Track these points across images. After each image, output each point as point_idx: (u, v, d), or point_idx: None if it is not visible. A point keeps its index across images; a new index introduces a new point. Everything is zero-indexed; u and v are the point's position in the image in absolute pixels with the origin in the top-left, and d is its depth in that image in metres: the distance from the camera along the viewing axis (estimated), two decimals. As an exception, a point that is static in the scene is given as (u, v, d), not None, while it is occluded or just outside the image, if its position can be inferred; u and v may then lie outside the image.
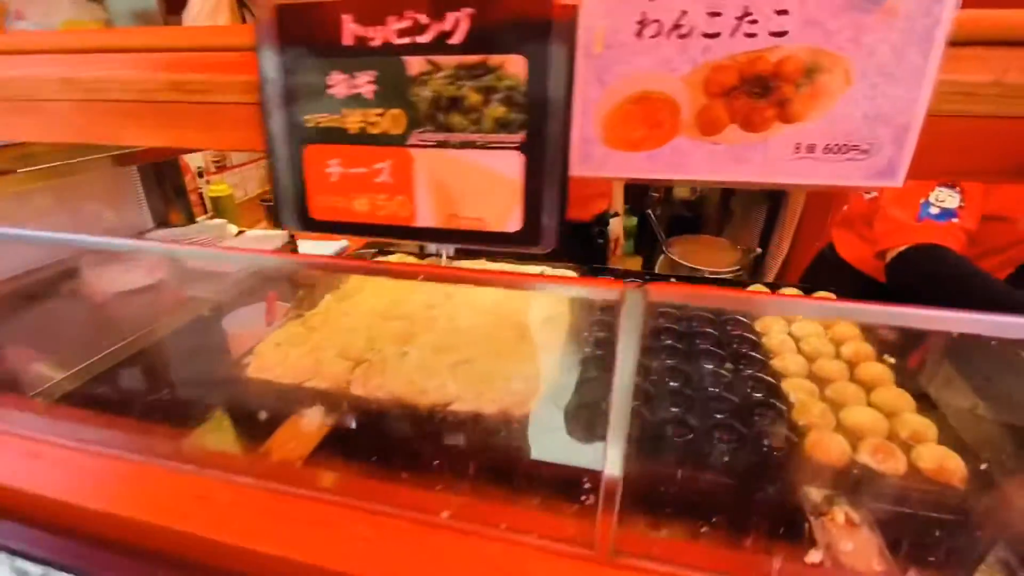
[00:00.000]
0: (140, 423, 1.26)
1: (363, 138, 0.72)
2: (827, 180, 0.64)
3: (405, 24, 0.66)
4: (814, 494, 1.04)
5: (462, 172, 0.74)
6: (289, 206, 0.75)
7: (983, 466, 0.91)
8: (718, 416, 1.01)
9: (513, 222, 0.74)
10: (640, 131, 0.68)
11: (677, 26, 0.62)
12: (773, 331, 1.31)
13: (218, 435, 1.28)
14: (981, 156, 0.61)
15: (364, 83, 0.69)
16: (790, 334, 1.31)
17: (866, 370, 1.22)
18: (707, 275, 2.85)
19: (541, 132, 0.69)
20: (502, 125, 0.70)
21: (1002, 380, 1.10)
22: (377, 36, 0.67)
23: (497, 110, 0.70)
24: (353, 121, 0.71)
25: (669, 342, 1.27)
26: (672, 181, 0.68)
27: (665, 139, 0.67)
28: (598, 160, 0.70)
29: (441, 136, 0.72)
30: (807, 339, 1.31)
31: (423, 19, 0.66)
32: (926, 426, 1.03)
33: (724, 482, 0.90)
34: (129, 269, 1.91)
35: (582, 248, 2.26)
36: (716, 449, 0.97)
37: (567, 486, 0.88)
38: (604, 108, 0.68)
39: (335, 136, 0.72)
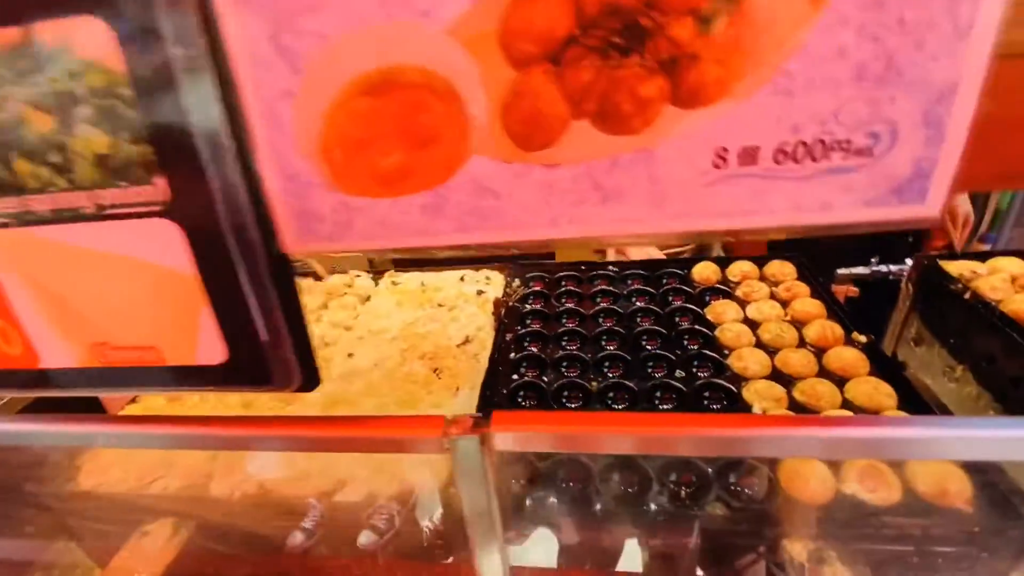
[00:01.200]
0: None
1: None
2: (787, 218, 0.30)
3: None
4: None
5: (83, 267, 0.37)
6: None
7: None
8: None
9: (207, 349, 0.38)
10: (397, 152, 0.32)
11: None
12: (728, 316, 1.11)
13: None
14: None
15: None
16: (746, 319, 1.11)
17: (837, 358, 1.00)
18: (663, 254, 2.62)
19: (195, 175, 0.32)
20: (115, 170, 0.33)
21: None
22: None
23: (94, 140, 0.32)
24: None
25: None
26: (476, 246, 0.33)
27: (449, 165, 0.32)
28: (331, 221, 0.34)
29: (13, 204, 0.35)
30: (766, 325, 1.10)
31: None
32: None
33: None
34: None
35: None
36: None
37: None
38: (312, 111, 0.31)
39: None
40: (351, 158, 0.33)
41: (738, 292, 1.15)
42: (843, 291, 1.32)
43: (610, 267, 1.28)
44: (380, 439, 0.40)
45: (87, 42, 0.31)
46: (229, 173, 0.33)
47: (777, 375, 0.92)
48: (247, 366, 0.39)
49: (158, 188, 0.34)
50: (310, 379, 0.40)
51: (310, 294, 1.46)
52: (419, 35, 0.29)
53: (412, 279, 1.53)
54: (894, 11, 0.26)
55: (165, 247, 0.36)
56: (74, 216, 0.36)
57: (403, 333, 1.26)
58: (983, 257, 1.10)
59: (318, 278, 1.54)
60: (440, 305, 1.36)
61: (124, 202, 0.35)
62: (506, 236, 0.33)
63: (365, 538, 0.85)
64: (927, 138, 0.28)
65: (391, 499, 0.86)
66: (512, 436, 0.40)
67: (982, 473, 0.79)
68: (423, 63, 0.30)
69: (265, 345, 0.38)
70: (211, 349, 0.39)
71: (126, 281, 0.37)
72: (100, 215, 0.35)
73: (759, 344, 1.00)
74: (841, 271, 1.35)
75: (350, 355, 1.17)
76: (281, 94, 0.31)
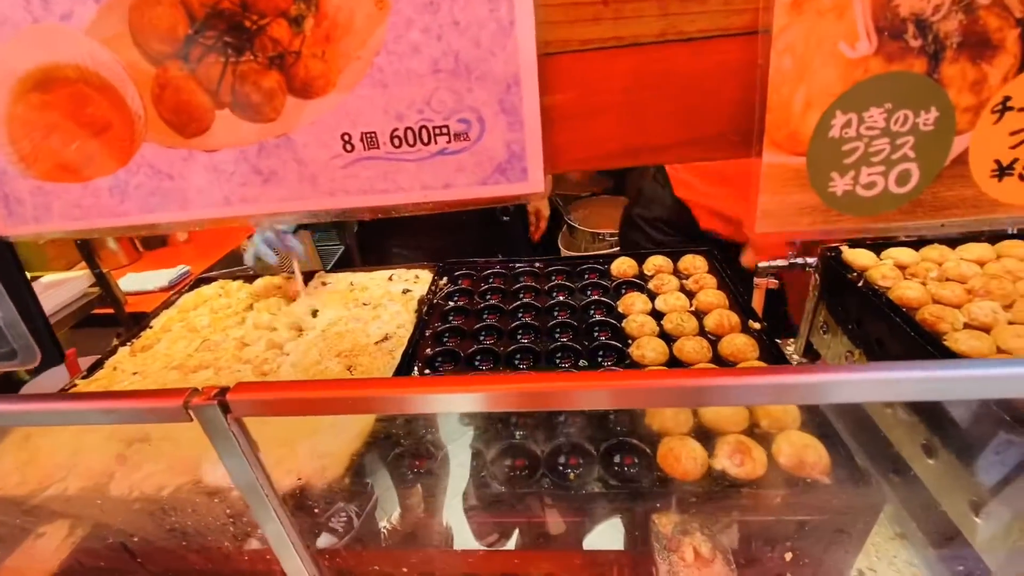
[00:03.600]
0: None
1: None
2: (419, 195, 0.35)
3: None
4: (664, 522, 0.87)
5: None
6: None
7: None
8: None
9: (-53, 327, 0.42)
10: (75, 140, 0.36)
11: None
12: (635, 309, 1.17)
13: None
14: (657, 115, 0.33)
15: None
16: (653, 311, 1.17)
17: (729, 344, 1.06)
18: (607, 236, 2.68)
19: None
20: None
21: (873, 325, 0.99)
22: None
23: None
24: None
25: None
26: (167, 226, 0.38)
27: (123, 151, 0.36)
28: (31, 205, 0.38)
29: None
30: (669, 315, 1.16)
31: None
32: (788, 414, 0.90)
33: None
34: None
35: (490, 232, 1.94)
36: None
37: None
38: (-9, 105, 0.35)
39: None
40: (37, 147, 0.37)
41: (650, 285, 1.19)
42: (764, 283, 1.39)
43: (536, 263, 1.32)
44: (129, 409, 0.44)
45: None
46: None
47: (673, 362, 0.97)
48: (-11, 342, 0.43)
49: None
50: (51, 356, 0.44)
51: (234, 295, 1.48)
52: (64, 36, 0.33)
53: (341, 279, 1.55)
54: (447, 14, 0.31)
55: None
56: None
57: (324, 332, 1.30)
58: (879, 249, 1.17)
59: (249, 280, 1.57)
60: (365, 304, 1.39)
61: None
62: (188, 215, 0.38)
63: (324, 540, 0.88)
64: (508, 124, 0.33)
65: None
66: (250, 402, 0.45)
67: (838, 446, 0.86)
68: (76, 61, 0.34)
69: (2, 328, 0.42)
70: (-49, 328, 0.43)
71: None
72: None
73: (662, 334, 1.04)
74: (762, 264, 1.43)
75: (266, 358, 1.20)
76: (-41, 89, 0.35)
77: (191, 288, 1.57)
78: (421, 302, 1.29)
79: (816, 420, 0.87)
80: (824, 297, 1.18)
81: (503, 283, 1.25)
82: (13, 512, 1.05)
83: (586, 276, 1.25)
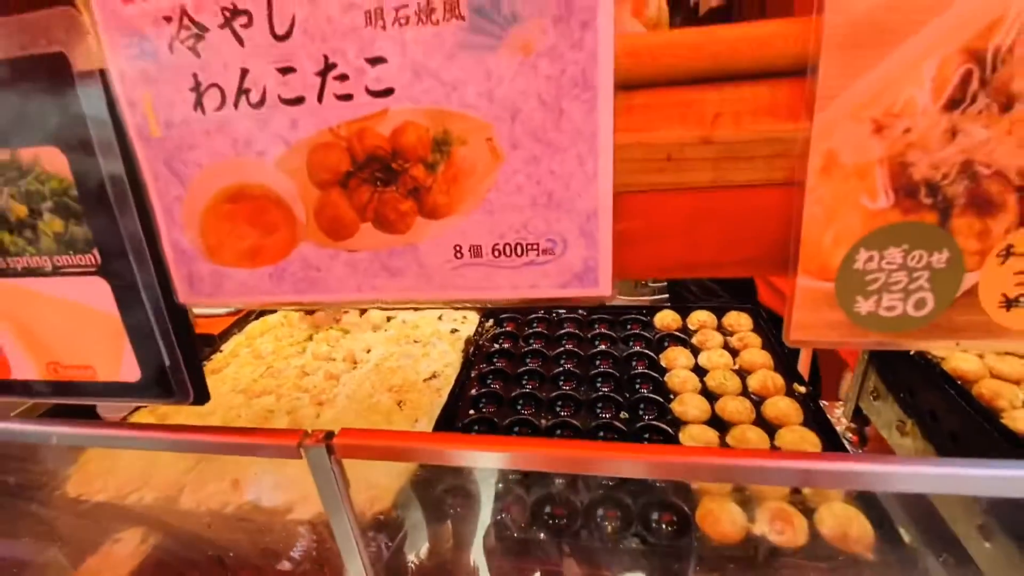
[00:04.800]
0: None
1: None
2: (510, 293, 0.45)
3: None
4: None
5: (43, 308, 0.53)
6: None
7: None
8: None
9: (128, 370, 0.54)
10: (250, 238, 0.47)
11: (244, 90, 0.42)
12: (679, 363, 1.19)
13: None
14: (710, 242, 0.42)
15: None
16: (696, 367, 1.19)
17: (773, 407, 1.08)
18: (649, 283, 2.67)
19: (118, 248, 0.48)
20: (66, 243, 0.49)
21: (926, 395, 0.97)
22: None
23: (54, 223, 0.49)
24: None
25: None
26: (311, 305, 0.48)
27: (285, 248, 0.47)
28: (209, 283, 0.50)
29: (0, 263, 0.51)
30: (713, 373, 1.18)
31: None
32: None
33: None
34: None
35: None
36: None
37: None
38: (194, 210, 0.47)
39: None
40: (221, 241, 0.48)
41: (694, 340, 1.23)
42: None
43: (579, 311, 1.37)
44: (249, 444, 0.55)
45: (48, 161, 0.47)
46: (138, 247, 0.49)
47: (715, 421, 0.99)
48: (155, 384, 0.54)
49: (94, 256, 0.50)
50: (201, 396, 0.55)
51: (297, 327, 1.61)
52: (257, 167, 0.45)
53: (395, 315, 1.67)
54: (547, 166, 0.41)
55: (96, 295, 0.51)
56: (38, 272, 0.52)
57: (377, 367, 1.40)
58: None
59: (309, 311, 1.70)
60: (416, 341, 1.47)
61: (71, 266, 0.51)
62: (328, 298, 0.48)
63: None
64: (586, 244, 0.42)
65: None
66: (353, 447, 0.54)
67: (883, 521, 0.86)
68: (262, 182, 0.45)
69: (167, 369, 0.54)
70: (130, 370, 0.54)
71: (71, 318, 0.53)
72: (55, 272, 0.51)
73: (704, 391, 1.07)
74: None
75: (323, 388, 1.30)
76: (174, 199, 0.47)
77: (257, 316, 1.71)
78: (468, 343, 1.37)
79: (861, 491, 0.87)
80: (875, 362, 1.18)
81: (547, 328, 1.33)
82: (93, 516, 1.16)
83: (629, 327, 1.31)
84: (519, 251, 0.43)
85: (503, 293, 0.44)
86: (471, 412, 1.07)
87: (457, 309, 1.61)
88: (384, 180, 0.43)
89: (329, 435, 0.55)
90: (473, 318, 1.59)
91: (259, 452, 0.55)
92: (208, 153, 0.45)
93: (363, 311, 1.64)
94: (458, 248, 0.44)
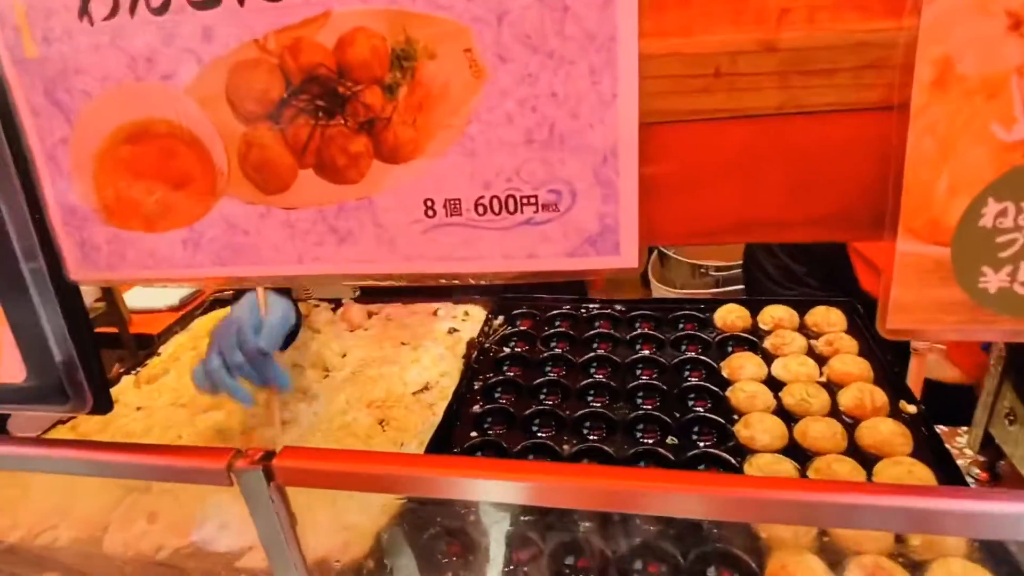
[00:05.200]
0: None
1: None
2: (500, 265, 0.43)
3: None
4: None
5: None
6: None
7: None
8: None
9: (9, 368, 0.53)
10: (157, 192, 0.46)
11: (143, -10, 0.40)
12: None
13: None
14: (772, 192, 0.39)
15: None
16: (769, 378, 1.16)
17: (871, 432, 1.04)
18: (712, 271, 2.65)
19: (-11, 209, 0.48)
20: (-76, 202, 0.49)
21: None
22: None
23: (-92, 175, 0.48)
24: None
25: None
26: (237, 281, 0.47)
27: (202, 205, 0.46)
28: (107, 252, 0.49)
29: None
30: (792, 387, 1.14)
31: None
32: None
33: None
34: None
35: None
36: None
37: None
38: (84, 155, 0.46)
39: None
40: (120, 196, 0.47)
41: (767, 343, 1.20)
42: (925, 349, 1.31)
43: (616, 306, 1.37)
44: (160, 467, 0.54)
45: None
46: (18, 208, 0.48)
47: (793, 449, 0.96)
48: (45, 387, 0.54)
49: (-42, 218, 0.49)
50: (102, 403, 0.54)
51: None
52: (163, 95, 0.43)
53: (378, 310, 1.67)
54: (546, 85, 0.38)
55: (-32, 271, 0.51)
56: None
57: (353, 375, 1.39)
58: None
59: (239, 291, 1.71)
60: (403, 344, 1.46)
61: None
62: (258, 271, 0.47)
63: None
64: (602, 196, 0.40)
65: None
66: (297, 470, 0.53)
67: None
68: (169, 116, 0.44)
69: (59, 366, 0.53)
70: (12, 368, 0.54)
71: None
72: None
73: (780, 410, 1.04)
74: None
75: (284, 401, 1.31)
76: (58, 142, 0.46)
77: (205, 310, 1.73)
78: (471, 346, 1.36)
79: (988, 545, 0.84)
80: (1011, 376, 1.13)
81: (573, 328, 1.32)
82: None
83: (681, 326, 1.29)
84: (511, 206, 0.41)
85: (490, 264, 0.42)
86: (473, 434, 1.06)
87: (457, 302, 1.59)
88: (328, 110, 0.41)
89: (268, 455, 0.53)
90: (478, 315, 1.57)
91: (175, 476, 0.54)
92: (99, 77, 0.44)
93: (336, 305, 1.63)
94: (429, 203, 0.42)
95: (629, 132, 0.38)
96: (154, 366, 1.51)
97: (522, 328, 1.33)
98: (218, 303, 1.76)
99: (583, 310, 1.36)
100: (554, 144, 0.39)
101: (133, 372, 1.46)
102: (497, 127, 0.40)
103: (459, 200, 0.42)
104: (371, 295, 1.72)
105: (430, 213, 0.43)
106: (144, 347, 1.60)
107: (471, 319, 1.52)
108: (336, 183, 0.43)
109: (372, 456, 0.53)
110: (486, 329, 1.37)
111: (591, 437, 1.02)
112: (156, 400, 1.40)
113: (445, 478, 0.52)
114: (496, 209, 0.42)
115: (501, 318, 1.40)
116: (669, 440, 0.99)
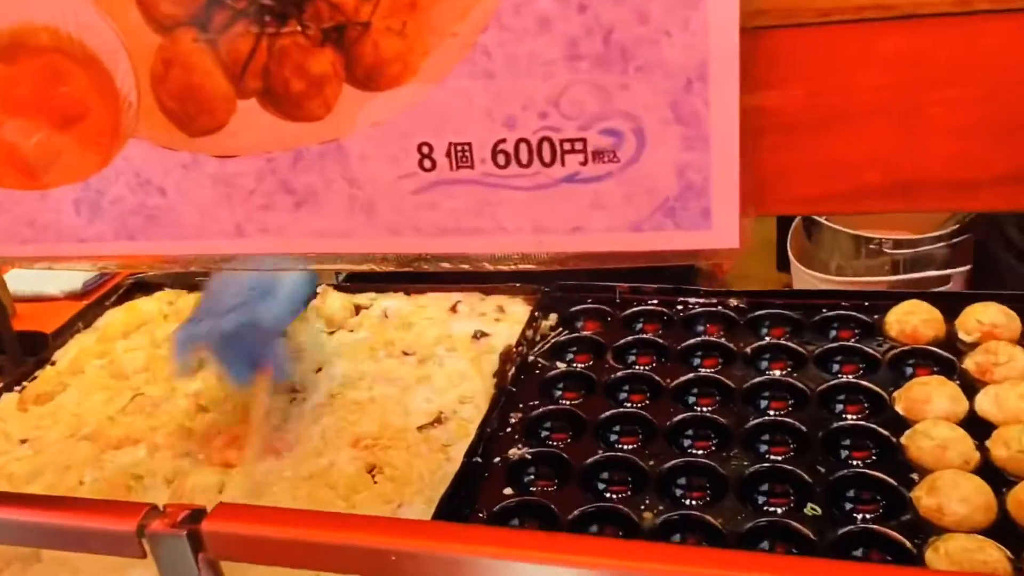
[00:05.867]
0: None
1: None
2: (529, 243, 0.44)
3: None
4: None
5: None
6: None
7: None
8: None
9: None
10: (37, 132, 0.49)
11: None
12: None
13: None
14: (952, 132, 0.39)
15: None
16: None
17: None
18: (886, 247, 2.55)
19: None
20: None
21: None
22: None
23: None
24: None
25: None
26: (149, 261, 0.49)
27: (102, 150, 0.48)
28: (-30, 216, 0.52)
29: None
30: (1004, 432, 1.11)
31: None
32: None
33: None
34: None
35: None
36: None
37: None
38: (-63, 79, 0.49)
39: None
40: (-12, 137, 0.50)
41: (968, 363, 1.19)
42: None
43: (730, 300, 1.36)
44: (53, 528, 0.56)
45: None
46: None
47: (1004, 528, 0.96)
48: None
49: None
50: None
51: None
52: (43, -11, 0.46)
53: (366, 303, 1.68)
54: (598, -28, 0.39)
55: None
56: None
57: (332, 399, 1.42)
58: None
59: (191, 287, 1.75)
60: (406, 353, 1.49)
61: None
62: (180, 246, 0.49)
63: None
64: (684, 139, 0.40)
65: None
66: (236, 538, 0.55)
67: None
68: (54, 24, 0.46)
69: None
70: None
71: None
72: None
73: (984, 467, 1.03)
74: None
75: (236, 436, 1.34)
76: (-100, 57, 0.49)
77: (120, 299, 1.78)
78: (507, 358, 1.37)
79: None
80: None
81: (664, 333, 1.32)
82: None
83: (833, 332, 1.29)
84: (546, 155, 0.42)
85: (515, 241, 0.44)
86: (507, 492, 1.08)
87: (487, 293, 1.58)
88: (278, 13, 0.43)
89: (196, 515, 0.56)
90: (517, 312, 1.57)
91: (67, 541, 0.58)
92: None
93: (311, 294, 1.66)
94: (425, 150, 0.44)
95: (726, 42, 0.39)
96: (47, 380, 1.57)
97: (585, 333, 1.34)
98: (140, 288, 1.80)
99: (679, 307, 1.36)
100: (612, 60, 0.40)
101: (16, 388, 1.53)
102: (525, 36, 0.41)
103: (469, 145, 0.43)
104: (360, 279, 1.74)
105: (426, 164, 0.44)
106: (33, 352, 1.65)
107: (507, 318, 1.53)
108: (291, 119, 0.45)
109: (353, 521, 0.55)
110: (530, 334, 1.38)
111: (687, 501, 1.02)
112: (49, 430, 1.45)
113: (463, 559, 0.53)
114: (524, 159, 0.43)
115: (553, 317, 1.41)
116: (809, 509, 0.99)
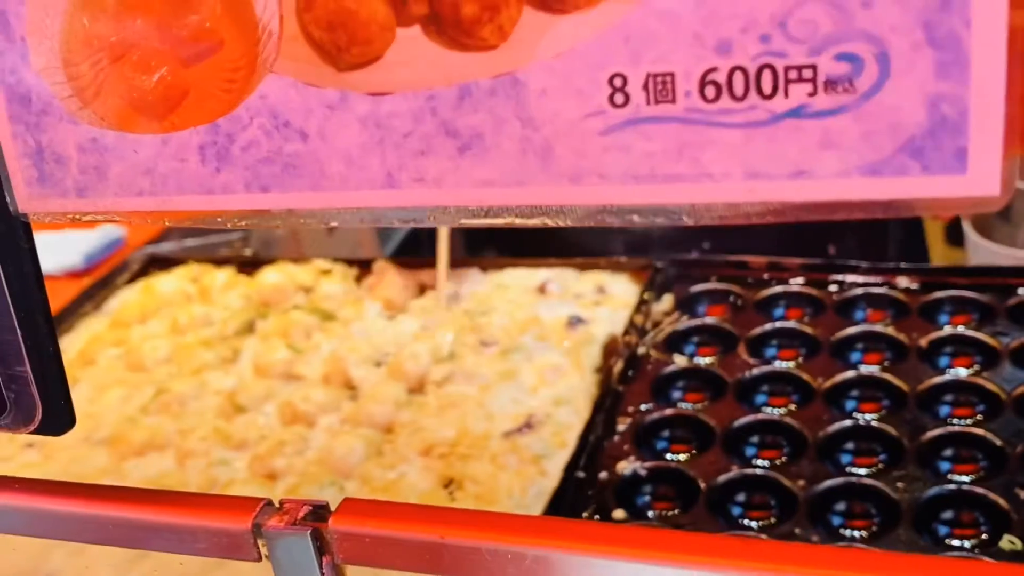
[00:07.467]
0: None
1: None
2: (743, 191, 0.43)
3: None
4: None
5: None
6: None
7: None
8: None
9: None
10: (160, 66, 0.50)
11: None
12: None
13: None
14: None
15: None
16: None
17: None
18: None
19: None
20: None
21: None
22: None
23: None
24: None
25: None
26: (283, 215, 0.50)
27: (236, 88, 0.49)
28: (76, 167, 0.53)
29: None
30: None
31: None
32: None
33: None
34: None
35: None
36: None
37: None
38: (46, 8, 0.50)
39: None
40: (102, 74, 0.51)
41: None
42: None
43: (899, 277, 1.34)
44: (128, 522, 0.57)
45: None
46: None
47: None
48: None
49: None
50: (57, 418, 0.59)
51: (222, 301, 1.66)
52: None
53: (433, 283, 1.67)
54: None
55: None
56: None
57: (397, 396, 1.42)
58: None
59: (248, 267, 1.74)
60: (485, 344, 1.51)
61: None
62: (322, 199, 0.49)
63: None
64: (937, 64, 0.39)
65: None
66: (369, 538, 0.55)
67: None
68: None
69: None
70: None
71: None
72: None
73: None
74: None
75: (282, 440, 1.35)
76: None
77: (134, 276, 1.78)
78: (611, 349, 1.36)
79: None
80: None
81: (811, 319, 1.32)
82: None
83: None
84: (766, 86, 0.41)
85: (723, 188, 0.43)
86: (618, 514, 1.10)
87: (582, 268, 1.57)
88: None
89: (319, 510, 0.57)
90: (623, 292, 1.56)
91: (163, 542, 0.58)
92: None
93: (361, 269, 1.64)
94: (618, 83, 0.43)
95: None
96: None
97: (709, 320, 1.34)
98: (156, 263, 1.79)
99: (832, 287, 1.34)
100: (852, -30, 0.39)
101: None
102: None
103: (671, 76, 0.42)
104: (418, 253, 1.69)
105: (618, 99, 0.43)
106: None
107: (609, 300, 1.51)
108: (459, 49, 0.45)
109: (522, 523, 0.54)
110: (639, 320, 1.38)
111: (848, 532, 1.02)
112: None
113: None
114: (738, 91, 0.42)
115: (667, 299, 1.40)
116: (1008, 543, 0.97)
